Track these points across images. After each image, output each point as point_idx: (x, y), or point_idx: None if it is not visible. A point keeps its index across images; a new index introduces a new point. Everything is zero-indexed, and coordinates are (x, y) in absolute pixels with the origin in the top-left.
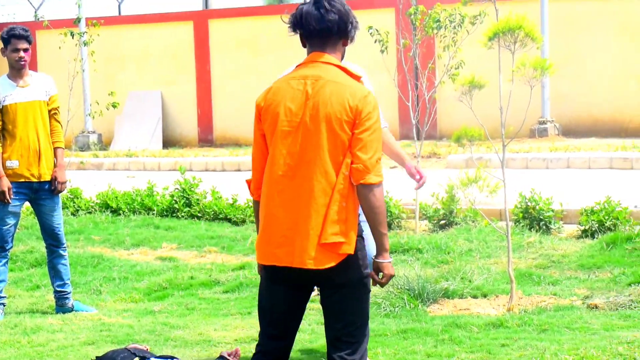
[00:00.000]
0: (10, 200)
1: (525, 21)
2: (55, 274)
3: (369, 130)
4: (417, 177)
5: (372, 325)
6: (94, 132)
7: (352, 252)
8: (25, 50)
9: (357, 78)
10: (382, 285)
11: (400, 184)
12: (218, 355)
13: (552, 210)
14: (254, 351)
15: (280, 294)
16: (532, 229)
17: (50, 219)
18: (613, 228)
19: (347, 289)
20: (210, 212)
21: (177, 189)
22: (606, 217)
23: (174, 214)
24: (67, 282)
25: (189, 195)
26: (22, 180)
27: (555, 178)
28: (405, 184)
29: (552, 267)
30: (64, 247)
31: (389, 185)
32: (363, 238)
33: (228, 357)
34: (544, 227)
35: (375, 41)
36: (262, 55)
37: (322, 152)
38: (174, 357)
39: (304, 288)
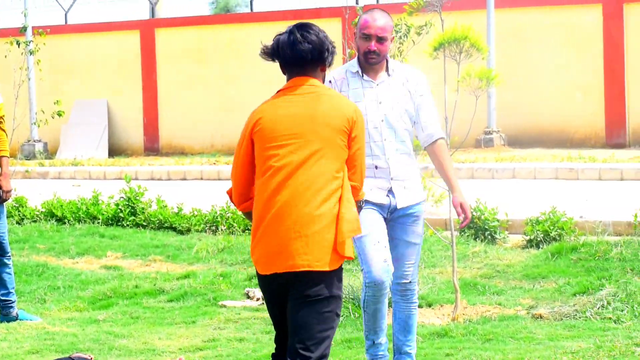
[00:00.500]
0: None
1: (470, 31)
2: None
3: (360, 149)
4: (461, 217)
5: None
6: (39, 141)
7: (352, 256)
8: None
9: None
10: None
11: None
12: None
13: (498, 220)
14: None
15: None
16: (477, 239)
17: None
18: (558, 238)
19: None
20: (156, 221)
21: (123, 197)
22: (551, 227)
23: (119, 223)
24: (11, 290)
25: (134, 204)
26: None
27: (500, 188)
28: None
29: (497, 277)
30: (9, 256)
31: None
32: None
33: None
34: (489, 237)
35: None
36: (209, 65)
37: (323, 160)
38: None
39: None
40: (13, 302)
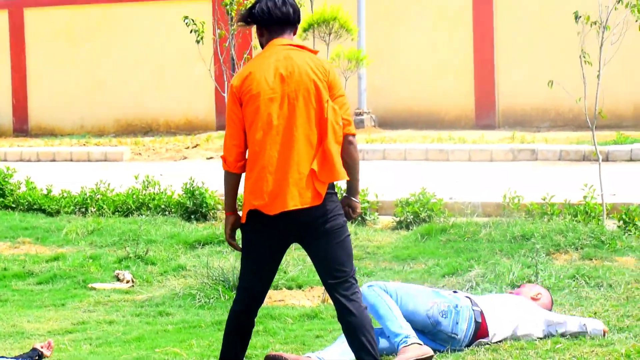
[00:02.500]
0: None
1: (340, 12)
2: None
3: (343, 96)
4: None
5: (186, 316)
6: None
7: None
8: None
9: (315, 52)
10: (352, 219)
11: (216, 175)
12: (31, 348)
13: (368, 202)
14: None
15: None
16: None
17: None
18: (428, 219)
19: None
20: (25, 203)
21: None
22: (421, 209)
23: None
24: None
25: (2, 185)
26: None
27: (371, 169)
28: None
29: (367, 258)
30: None
31: (205, 177)
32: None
33: (41, 350)
34: (359, 218)
35: (191, 31)
36: (79, 45)
37: (309, 109)
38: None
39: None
40: None
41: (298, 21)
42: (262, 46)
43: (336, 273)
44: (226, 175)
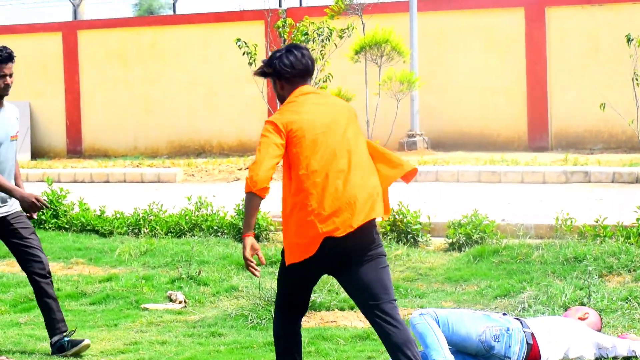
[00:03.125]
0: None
1: (392, 35)
2: None
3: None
4: None
5: (239, 337)
6: None
7: None
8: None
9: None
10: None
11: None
12: None
13: (420, 223)
14: None
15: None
16: (399, 242)
17: None
18: (480, 241)
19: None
20: (78, 224)
21: (45, 199)
22: (474, 230)
23: (41, 225)
24: None
25: (56, 206)
26: None
27: (423, 191)
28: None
29: (419, 279)
30: None
31: None
32: None
33: None
34: (412, 240)
35: (244, 53)
36: (131, 67)
37: (356, 142)
38: None
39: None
40: None
41: (311, 75)
42: (282, 98)
43: (383, 295)
44: (253, 198)
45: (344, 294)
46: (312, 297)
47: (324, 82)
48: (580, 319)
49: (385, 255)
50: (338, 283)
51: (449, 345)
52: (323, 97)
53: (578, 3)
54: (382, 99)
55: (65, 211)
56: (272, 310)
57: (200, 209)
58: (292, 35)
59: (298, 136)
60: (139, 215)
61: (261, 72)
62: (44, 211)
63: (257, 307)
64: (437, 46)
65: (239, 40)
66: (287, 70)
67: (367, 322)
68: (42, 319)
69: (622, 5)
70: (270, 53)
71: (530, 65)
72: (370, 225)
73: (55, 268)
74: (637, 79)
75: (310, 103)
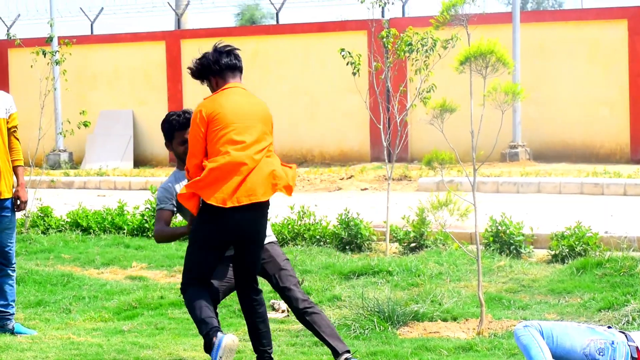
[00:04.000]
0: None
1: (497, 46)
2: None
3: None
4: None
5: None
6: (64, 151)
7: None
8: None
9: None
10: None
11: (370, 206)
12: None
13: (523, 235)
14: None
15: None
16: (502, 253)
17: (3, 237)
18: (583, 253)
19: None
20: None
21: (148, 208)
22: (577, 243)
23: (145, 233)
24: (11, 303)
25: None
26: None
27: (526, 202)
28: (376, 206)
29: (522, 291)
30: (13, 267)
31: (360, 207)
32: None
33: None
34: (515, 251)
35: (348, 63)
36: None
37: (265, 136)
38: None
39: None
40: (11, 315)
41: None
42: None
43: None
44: None
45: (446, 305)
46: (415, 307)
47: (427, 92)
48: None
49: None
50: (440, 294)
51: (553, 358)
52: (247, 94)
53: None
54: (486, 110)
55: None
56: (375, 320)
57: (302, 218)
58: (396, 46)
59: (208, 127)
60: None
61: (195, 70)
62: (147, 219)
63: (359, 317)
64: (539, 57)
65: (342, 50)
66: (211, 68)
67: (471, 334)
68: (145, 326)
69: None
70: (373, 63)
71: (633, 77)
72: None
73: (159, 276)
74: None
75: (234, 94)
